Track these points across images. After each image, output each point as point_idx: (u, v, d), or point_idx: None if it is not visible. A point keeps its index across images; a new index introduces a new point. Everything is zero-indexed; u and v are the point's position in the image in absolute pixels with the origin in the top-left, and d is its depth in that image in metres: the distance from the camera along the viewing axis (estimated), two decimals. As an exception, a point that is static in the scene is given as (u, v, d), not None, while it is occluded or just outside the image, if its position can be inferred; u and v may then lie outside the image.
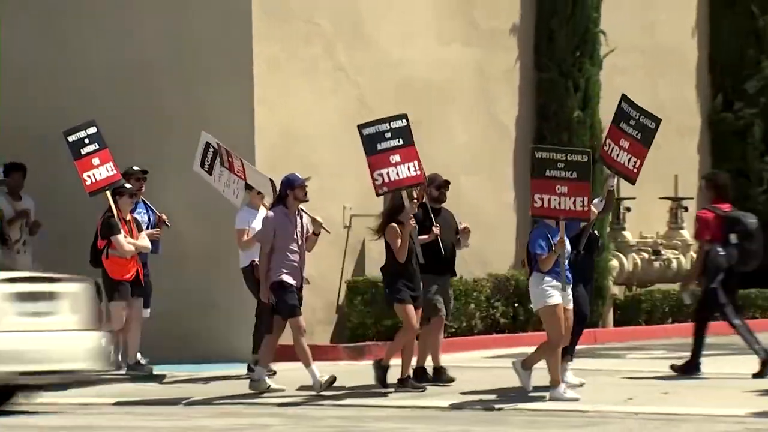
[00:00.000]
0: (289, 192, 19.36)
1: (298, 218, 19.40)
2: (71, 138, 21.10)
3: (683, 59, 27.63)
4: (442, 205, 20.27)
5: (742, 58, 27.72)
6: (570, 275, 17.97)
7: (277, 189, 19.78)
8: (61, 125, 21.82)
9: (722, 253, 20.51)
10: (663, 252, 26.53)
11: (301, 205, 19.52)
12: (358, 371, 20.94)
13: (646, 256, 26.66)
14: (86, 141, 21.03)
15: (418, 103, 23.37)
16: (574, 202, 17.54)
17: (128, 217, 20.84)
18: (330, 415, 18.36)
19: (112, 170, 21.01)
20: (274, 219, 19.42)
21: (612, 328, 26.13)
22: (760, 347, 20.14)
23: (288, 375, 20.82)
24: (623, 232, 26.18)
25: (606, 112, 25.42)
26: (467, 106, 24.69)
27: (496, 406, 18.50)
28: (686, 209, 26.58)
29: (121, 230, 20.61)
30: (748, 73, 27.69)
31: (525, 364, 18.61)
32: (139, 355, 21.53)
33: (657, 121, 19.28)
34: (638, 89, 25.69)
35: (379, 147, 18.90)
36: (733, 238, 20.66)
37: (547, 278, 17.91)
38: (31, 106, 24.37)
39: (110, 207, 20.76)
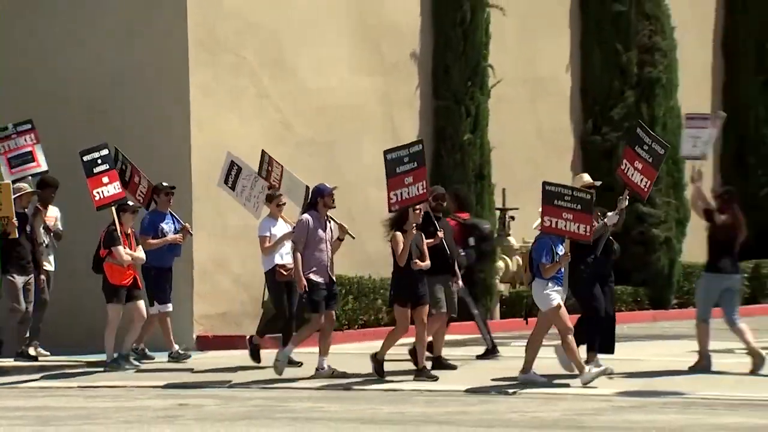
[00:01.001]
0: (320, 199, 19.44)
1: (327, 223, 19.31)
2: (86, 158, 20.47)
3: (559, 89, 27.27)
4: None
5: (609, 88, 27.39)
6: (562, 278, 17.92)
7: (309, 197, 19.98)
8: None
9: (463, 254, 20.79)
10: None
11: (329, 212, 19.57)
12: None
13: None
14: (98, 161, 20.41)
15: (333, 126, 23.08)
16: (578, 227, 17.61)
17: (129, 231, 20.24)
18: (258, 395, 18.11)
19: (118, 188, 20.41)
20: (307, 222, 19.29)
21: (498, 320, 25.63)
22: (489, 338, 21.42)
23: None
24: (508, 238, 25.61)
25: (493, 134, 25.49)
26: (375, 129, 24.24)
27: (404, 388, 18.39)
28: (513, 218, 26.19)
29: (122, 242, 19.94)
30: (613, 101, 27.35)
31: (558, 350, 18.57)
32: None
33: (666, 147, 19.13)
34: (521, 115, 25.65)
35: (397, 170, 18.83)
36: (471, 241, 21.16)
37: (550, 284, 17.81)
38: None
39: (114, 221, 20.08)
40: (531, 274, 18.23)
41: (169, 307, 21.16)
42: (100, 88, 23.27)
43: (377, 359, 19.11)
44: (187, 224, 21.11)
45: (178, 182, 22.28)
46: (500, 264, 25.97)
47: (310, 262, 19.18)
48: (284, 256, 20.23)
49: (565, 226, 17.50)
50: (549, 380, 18.55)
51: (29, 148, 20.72)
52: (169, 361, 21.22)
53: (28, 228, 20.67)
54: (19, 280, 20.54)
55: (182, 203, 22.38)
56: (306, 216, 19.32)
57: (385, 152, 19.48)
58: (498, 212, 25.75)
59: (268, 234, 20.11)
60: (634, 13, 27.24)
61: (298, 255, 19.16)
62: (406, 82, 25.44)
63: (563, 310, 17.80)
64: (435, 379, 18.84)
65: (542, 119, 26.47)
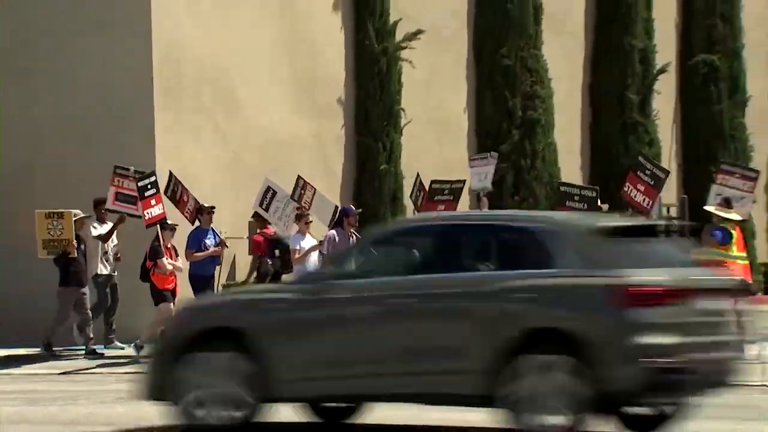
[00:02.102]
0: (345, 218, 19.67)
1: (350, 238, 19.26)
2: (140, 183, 20.00)
3: (459, 128, 26.89)
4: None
5: (498, 128, 27.03)
6: None
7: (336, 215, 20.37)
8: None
9: (270, 262, 21.02)
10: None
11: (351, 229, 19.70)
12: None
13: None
14: (149, 186, 19.98)
15: (276, 158, 22.80)
16: (646, 198, 17.53)
17: (169, 245, 19.91)
18: None
19: (161, 210, 19.99)
20: (333, 237, 19.31)
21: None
22: None
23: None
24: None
25: (405, 165, 25.14)
26: (309, 160, 23.92)
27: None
28: None
29: (164, 254, 19.63)
30: (502, 138, 26.93)
31: None
32: None
33: (666, 172, 19.22)
34: (428, 149, 25.38)
35: (435, 198, 18.84)
36: (277, 252, 21.16)
37: None
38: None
39: (158, 236, 19.74)
40: None
41: None
42: (81, 125, 22.71)
43: None
44: (225, 239, 20.81)
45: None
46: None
47: None
48: (311, 265, 19.72)
49: (636, 195, 17.41)
50: None
51: (133, 194, 20.25)
52: None
53: (82, 246, 20.27)
54: (76, 291, 20.07)
55: (147, 237, 21.77)
56: (332, 232, 19.43)
57: (432, 181, 20.04)
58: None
59: (298, 247, 19.88)
60: (519, 67, 26.95)
61: None
62: (334, 122, 25.10)
63: None
64: None
65: (445, 153, 26.03)
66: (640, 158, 19.43)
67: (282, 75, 24.10)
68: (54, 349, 20.70)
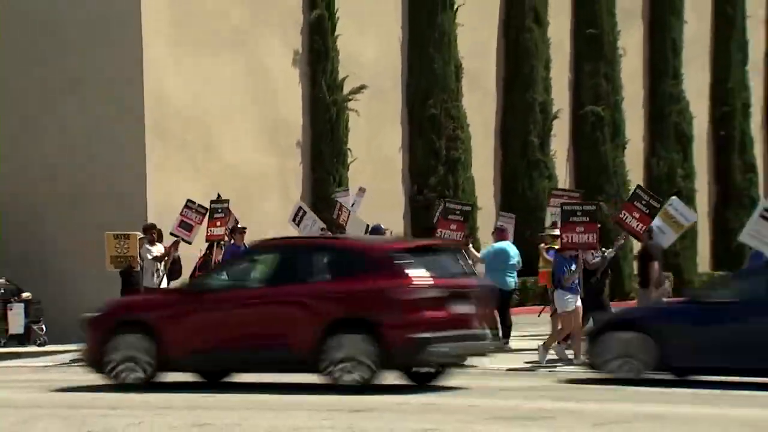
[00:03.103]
0: (376, 234, 19.12)
1: None
2: (213, 205, 20.30)
3: (395, 166, 27.04)
4: None
5: (427, 165, 27.12)
6: (578, 287, 16.95)
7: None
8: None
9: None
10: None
11: None
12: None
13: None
14: (219, 210, 20.07)
15: (246, 189, 22.78)
16: (588, 237, 16.88)
17: (218, 259, 19.54)
18: None
19: (222, 232, 19.98)
20: None
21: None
22: None
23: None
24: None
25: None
26: (273, 191, 23.99)
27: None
28: None
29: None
30: (430, 174, 27.01)
31: (546, 345, 17.26)
32: None
33: (661, 202, 18.63)
34: (370, 182, 25.12)
35: (448, 217, 18.16)
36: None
37: (568, 293, 16.77)
38: None
39: (210, 252, 19.64)
40: (553, 284, 17.16)
41: None
42: (83, 161, 22.56)
43: None
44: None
45: (137, 230, 21.30)
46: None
47: None
48: None
49: (579, 239, 16.75)
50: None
51: (192, 224, 20.19)
52: None
53: (141, 262, 19.80)
54: None
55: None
56: None
57: (446, 200, 19.50)
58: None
59: None
60: (443, 116, 27.05)
61: None
62: (293, 160, 25.03)
63: (571, 316, 16.84)
64: None
65: (383, 185, 25.88)
66: (638, 190, 18.79)
67: (250, 121, 24.03)
68: None
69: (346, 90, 25.25)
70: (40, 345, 20.64)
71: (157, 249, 19.97)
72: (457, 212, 17.93)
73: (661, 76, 32.02)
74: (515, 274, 19.11)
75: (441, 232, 17.86)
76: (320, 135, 24.98)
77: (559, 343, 17.32)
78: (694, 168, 32.43)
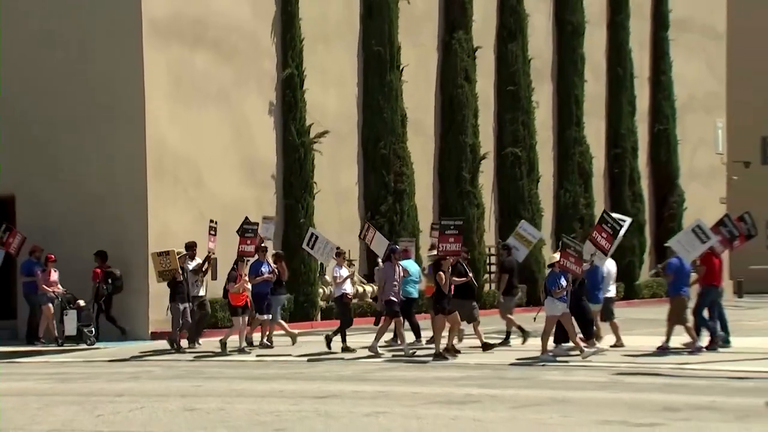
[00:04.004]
0: (392, 255, 18.29)
1: (398, 267, 18.18)
2: (245, 226, 19.72)
3: (351, 196, 26.62)
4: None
5: (377, 195, 26.90)
6: (566, 298, 16.56)
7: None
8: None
9: (105, 287, 20.76)
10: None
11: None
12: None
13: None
14: (250, 231, 19.67)
15: (228, 216, 21.68)
16: (575, 267, 16.68)
17: (243, 273, 19.06)
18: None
19: (252, 249, 19.48)
20: (386, 267, 18.32)
21: (320, 321, 24.59)
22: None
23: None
24: (325, 276, 24.79)
25: (317, 220, 24.66)
26: (253, 219, 22.21)
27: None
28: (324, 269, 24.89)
29: (237, 280, 18.96)
30: (380, 202, 26.74)
31: (543, 349, 16.76)
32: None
33: (621, 226, 18.17)
34: (332, 210, 25.69)
35: (446, 232, 17.61)
36: (110, 281, 20.90)
37: (558, 301, 16.43)
38: None
39: (237, 266, 19.09)
40: (545, 294, 16.80)
41: (266, 316, 19.53)
42: (93, 194, 22.25)
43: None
44: (275, 268, 19.95)
45: (140, 256, 21.53)
46: (320, 290, 25.02)
47: (388, 290, 17.92)
48: (347, 287, 19.18)
49: (571, 266, 16.58)
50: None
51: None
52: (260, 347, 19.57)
53: (185, 274, 19.49)
54: (180, 306, 19.27)
55: (140, 268, 21.56)
56: (384, 264, 18.55)
57: (441, 219, 19.07)
58: (319, 265, 24.46)
59: (337, 275, 19.08)
60: (391, 155, 26.98)
61: (381, 286, 18.34)
62: (268, 191, 24.72)
63: (555, 320, 16.53)
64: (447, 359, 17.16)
65: (343, 213, 25.93)
66: (604, 215, 18.22)
67: (233, 160, 23.86)
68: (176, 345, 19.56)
69: (312, 134, 25.09)
70: (90, 344, 20.39)
71: (195, 263, 19.78)
72: (452, 227, 17.68)
73: (566, 124, 32.25)
74: (417, 285, 19.17)
75: (442, 246, 17.48)
76: (290, 171, 24.79)
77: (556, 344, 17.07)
78: (594, 198, 32.69)
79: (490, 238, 29.27)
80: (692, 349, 17.24)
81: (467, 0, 28.99)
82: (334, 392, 13.04)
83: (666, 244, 18.13)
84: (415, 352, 17.96)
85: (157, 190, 22.02)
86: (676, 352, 17.18)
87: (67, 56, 22.37)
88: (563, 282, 16.46)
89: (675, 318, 17.46)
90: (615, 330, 18.27)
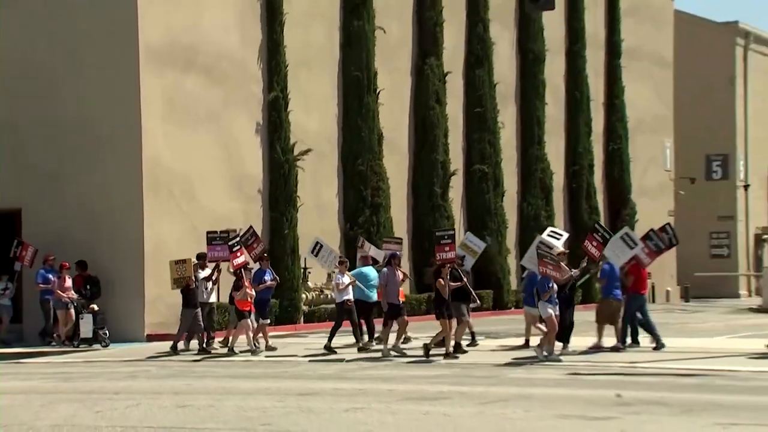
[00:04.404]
0: (393, 260, 18.17)
1: (398, 272, 18.19)
2: (230, 243, 19.16)
3: (332, 209, 26.60)
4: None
5: (356, 208, 26.65)
6: (557, 300, 16.26)
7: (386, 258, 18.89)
8: None
9: (83, 292, 20.57)
10: (324, 291, 25.06)
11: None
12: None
13: (317, 293, 25.35)
14: (236, 245, 19.15)
15: (218, 228, 21.05)
16: (555, 273, 16.41)
17: (247, 282, 18.74)
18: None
19: (244, 258, 19.16)
20: (387, 272, 18.02)
21: (303, 324, 24.51)
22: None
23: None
24: (308, 282, 24.79)
25: (300, 232, 24.60)
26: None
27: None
28: (309, 273, 24.96)
29: (241, 287, 18.70)
30: (359, 215, 26.63)
31: (540, 344, 16.44)
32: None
33: (611, 234, 17.91)
34: (313, 222, 25.59)
35: (441, 242, 17.41)
36: (88, 286, 20.71)
37: (548, 303, 16.08)
38: None
39: (242, 275, 18.77)
40: (537, 297, 16.41)
41: (268, 321, 19.32)
42: (95, 211, 22.02)
43: (426, 347, 17.06)
44: (277, 277, 19.87)
45: (137, 264, 21.42)
46: (303, 295, 24.87)
47: (390, 293, 17.73)
48: (349, 293, 18.67)
49: (551, 272, 16.31)
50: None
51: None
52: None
53: (195, 283, 19.21)
54: (192, 310, 18.96)
55: (137, 276, 21.46)
56: (385, 269, 18.23)
57: (435, 231, 18.81)
58: (302, 270, 24.66)
59: (339, 282, 18.76)
60: (369, 172, 26.92)
61: (384, 291, 17.88)
62: (256, 204, 24.59)
63: (554, 319, 16.17)
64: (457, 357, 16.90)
65: (324, 224, 25.60)
66: (596, 225, 18.22)
67: (223, 176, 23.74)
68: (179, 349, 19.24)
69: (295, 152, 24.97)
70: (104, 346, 20.19)
71: (205, 272, 19.57)
72: (446, 237, 17.52)
73: (529, 143, 32.37)
74: (375, 290, 18.91)
75: (440, 255, 17.34)
76: (276, 186, 24.66)
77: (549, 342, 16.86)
78: (554, 211, 32.80)
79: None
80: (595, 346, 17.46)
81: (438, 29, 29.14)
82: (316, 390, 12.99)
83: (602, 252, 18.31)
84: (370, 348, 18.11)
85: (152, 203, 21.88)
86: (615, 349, 17.30)
87: (69, 81, 22.24)
88: (551, 284, 16.19)
89: (604, 318, 17.70)
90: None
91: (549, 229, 19.10)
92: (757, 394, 12.16)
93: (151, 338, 21.22)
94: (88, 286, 20.93)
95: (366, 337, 18.82)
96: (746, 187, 43.29)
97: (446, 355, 16.72)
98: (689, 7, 48.81)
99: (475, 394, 12.39)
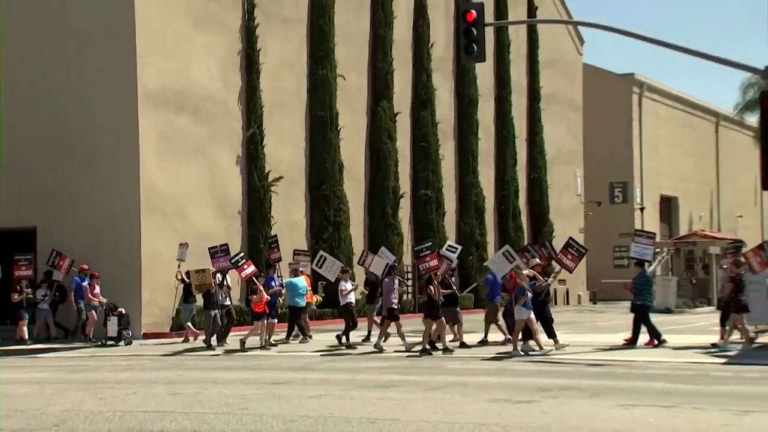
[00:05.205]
0: (392, 271, 17.95)
1: (396, 280, 17.96)
2: (232, 261, 18.92)
3: (301, 227, 26.47)
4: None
5: (321, 226, 26.73)
6: (531, 304, 15.97)
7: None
8: None
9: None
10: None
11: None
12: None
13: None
14: (240, 260, 19.06)
15: (204, 243, 21.39)
16: (433, 263, 16.57)
17: (260, 288, 18.60)
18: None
19: (252, 269, 19.03)
20: (388, 281, 17.73)
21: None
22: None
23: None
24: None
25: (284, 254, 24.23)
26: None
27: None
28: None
29: (256, 293, 18.54)
30: (323, 232, 26.47)
31: (514, 343, 16.15)
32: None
33: (586, 250, 17.86)
34: (285, 239, 25.05)
35: (421, 254, 17.35)
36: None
37: (523, 307, 15.84)
38: None
39: (255, 283, 18.61)
40: (514, 300, 16.08)
41: (275, 320, 18.86)
42: (98, 231, 21.78)
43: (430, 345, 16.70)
44: (284, 284, 19.39)
45: (135, 273, 21.09)
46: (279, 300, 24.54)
47: (389, 298, 17.47)
48: (351, 297, 18.53)
49: (427, 266, 16.36)
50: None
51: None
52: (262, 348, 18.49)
53: (213, 289, 18.98)
54: (212, 312, 18.69)
55: (135, 283, 21.17)
56: (387, 279, 17.88)
57: (414, 245, 18.49)
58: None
59: (343, 288, 18.59)
60: (332, 196, 26.90)
61: (386, 296, 17.54)
62: (236, 224, 24.45)
63: (531, 319, 15.95)
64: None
65: (294, 240, 25.36)
66: (570, 240, 17.67)
67: (208, 199, 23.58)
68: (212, 345, 18.75)
69: (270, 179, 24.95)
70: (127, 344, 19.83)
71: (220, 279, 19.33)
72: (424, 250, 17.35)
73: (465, 172, 32.59)
74: (304, 297, 18.94)
75: (423, 265, 17.24)
76: (253, 207, 24.58)
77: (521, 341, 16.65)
78: (486, 229, 33.04)
79: (407, 259, 29.39)
80: (484, 340, 17.61)
81: (389, 77, 29.30)
82: (287, 379, 12.93)
83: (485, 263, 18.42)
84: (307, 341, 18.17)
85: (148, 221, 21.71)
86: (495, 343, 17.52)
87: (79, 119, 22.06)
88: (528, 293, 16.00)
89: (491, 319, 17.94)
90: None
91: (447, 243, 19.05)
92: (652, 381, 12.34)
93: (147, 336, 21.01)
94: (57, 293, 20.89)
95: (301, 337, 18.88)
96: (642, 209, 44.01)
97: (444, 350, 16.45)
98: (595, 61, 49.83)
99: (420, 382, 12.42)
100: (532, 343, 16.35)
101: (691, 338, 18.60)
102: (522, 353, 15.88)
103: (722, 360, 14.88)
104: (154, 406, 10.54)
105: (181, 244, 20.99)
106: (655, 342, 17.02)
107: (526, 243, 34.55)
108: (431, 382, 12.42)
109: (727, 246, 21.42)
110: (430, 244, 18.00)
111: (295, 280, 18.95)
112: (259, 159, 24.76)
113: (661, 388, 11.54)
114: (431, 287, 16.56)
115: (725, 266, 18.37)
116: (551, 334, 16.73)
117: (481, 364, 14.73)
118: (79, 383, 13.04)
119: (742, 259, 17.95)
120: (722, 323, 17.21)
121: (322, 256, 20.00)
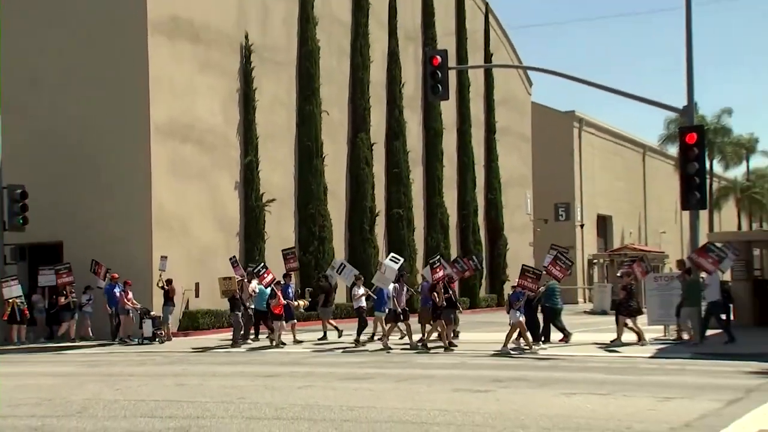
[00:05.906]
0: (401, 279, 17.62)
1: (405, 286, 17.78)
2: (254, 271, 18.59)
3: (291, 241, 26.18)
4: None
5: (308, 240, 26.53)
6: (524, 309, 15.69)
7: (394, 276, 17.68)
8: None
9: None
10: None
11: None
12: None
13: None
14: (260, 270, 18.76)
15: (205, 255, 22.08)
16: (532, 287, 15.89)
17: (279, 293, 18.27)
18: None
19: (272, 276, 18.70)
20: (397, 287, 17.44)
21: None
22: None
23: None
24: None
25: (267, 260, 23.77)
26: (223, 256, 22.58)
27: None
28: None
29: (275, 297, 18.18)
30: (310, 245, 26.41)
31: (506, 343, 15.71)
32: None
33: (572, 263, 17.16)
34: (276, 252, 24.62)
35: (434, 266, 16.78)
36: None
37: (518, 312, 15.59)
38: None
39: (274, 289, 18.27)
40: (509, 306, 15.73)
41: (294, 320, 18.60)
42: (113, 246, 21.46)
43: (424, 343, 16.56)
44: (298, 290, 19.23)
45: (147, 282, 20.78)
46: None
47: (399, 302, 17.26)
48: (362, 301, 18.32)
49: (527, 286, 15.78)
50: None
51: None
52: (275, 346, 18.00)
53: (238, 294, 18.64)
54: (237, 314, 18.18)
55: (146, 290, 20.92)
56: (396, 285, 17.55)
57: (431, 260, 17.44)
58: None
59: (356, 293, 18.48)
60: (317, 214, 26.83)
61: (394, 300, 17.23)
62: (234, 238, 24.30)
63: (520, 324, 15.63)
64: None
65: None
66: (558, 253, 16.81)
67: (209, 218, 23.46)
68: (239, 342, 18.36)
69: (264, 200, 24.90)
70: (160, 343, 19.55)
71: (253, 284, 18.94)
72: (436, 263, 16.90)
73: (432, 194, 32.66)
74: (265, 303, 18.67)
75: (434, 275, 16.67)
76: (249, 224, 24.50)
77: (513, 341, 16.39)
78: (450, 243, 33.11)
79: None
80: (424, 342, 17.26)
81: (366, 112, 29.41)
82: (278, 372, 12.92)
83: (372, 281, 18.53)
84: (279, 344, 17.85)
85: (158, 236, 21.60)
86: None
87: (100, 150, 22.01)
88: (523, 297, 15.78)
89: (424, 320, 17.72)
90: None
91: (391, 255, 19.03)
92: (589, 372, 12.48)
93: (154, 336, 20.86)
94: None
95: (261, 338, 18.74)
96: (582, 226, 44.46)
97: (445, 348, 16.20)
98: (542, 99, 50.67)
99: (392, 374, 12.46)
100: (522, 342, 16.30)
101: (601, 336, 18.48)
102: (513, 352, 15.64)
103: (648, 354, 15.07)
104: (164, 396, 10.51)
105: (162, 257, 20.78)
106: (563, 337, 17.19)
107: (483, 254, 34.98)
108: (402, 374, 12.45)
109: (624, 259, 21.55)
110: (438, 257, 17.73)
111: (261, 287, 18.76)
112: (254, 183, 24.73)
113: (597, 378, 11.69)
114: (435, 294, 16.44)
115: (619, 274, 18.58)
116: (536, 336, 16.64)
117: (445, 359, 14.78)
118: (98, 376, 12.97)
119: (638, 268, 18.06)
120: (618, 322, 17.30)
121: (342, 263, 19.73)
